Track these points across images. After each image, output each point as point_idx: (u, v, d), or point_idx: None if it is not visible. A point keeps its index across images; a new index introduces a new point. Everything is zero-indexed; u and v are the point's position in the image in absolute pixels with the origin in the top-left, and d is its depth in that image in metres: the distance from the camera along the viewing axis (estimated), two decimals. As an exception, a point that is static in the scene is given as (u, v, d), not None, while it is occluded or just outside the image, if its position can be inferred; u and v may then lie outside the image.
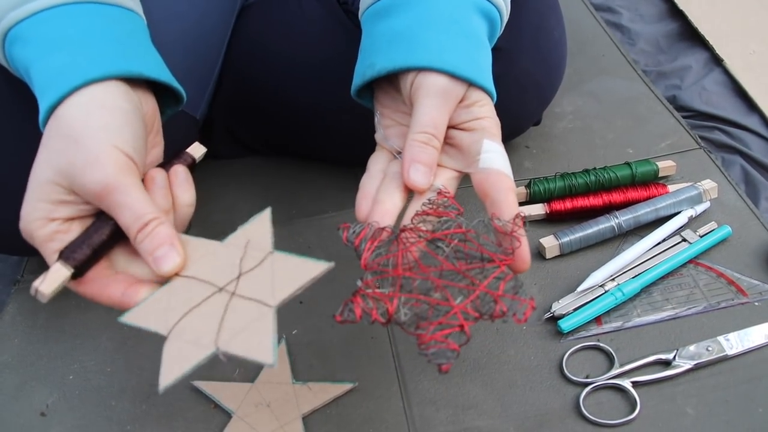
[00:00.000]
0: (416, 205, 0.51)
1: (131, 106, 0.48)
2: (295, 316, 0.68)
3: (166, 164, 0.52)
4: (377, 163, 0.55)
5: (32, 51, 0.48)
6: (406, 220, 0.50)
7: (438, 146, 0.51)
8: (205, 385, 0.62)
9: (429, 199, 0.51)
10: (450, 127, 0.52)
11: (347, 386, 0.61)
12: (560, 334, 0.63)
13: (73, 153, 0.45)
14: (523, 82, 0.71)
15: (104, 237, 0.47)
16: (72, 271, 0.46)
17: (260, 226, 0.50)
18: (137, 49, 0.51)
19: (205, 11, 0.72)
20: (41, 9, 0.48)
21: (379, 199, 0.51)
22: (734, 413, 0.56)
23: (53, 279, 0.45)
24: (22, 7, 0.48)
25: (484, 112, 0.51)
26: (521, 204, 0.75)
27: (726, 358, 0.59)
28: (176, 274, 0.48)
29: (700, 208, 0.71)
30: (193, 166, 0.54)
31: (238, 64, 0.77)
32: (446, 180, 0.52)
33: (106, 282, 0.47)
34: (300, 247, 0.75)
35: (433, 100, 0.50)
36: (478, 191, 0.51)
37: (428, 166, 0.50)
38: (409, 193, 0.52)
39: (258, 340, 0.43)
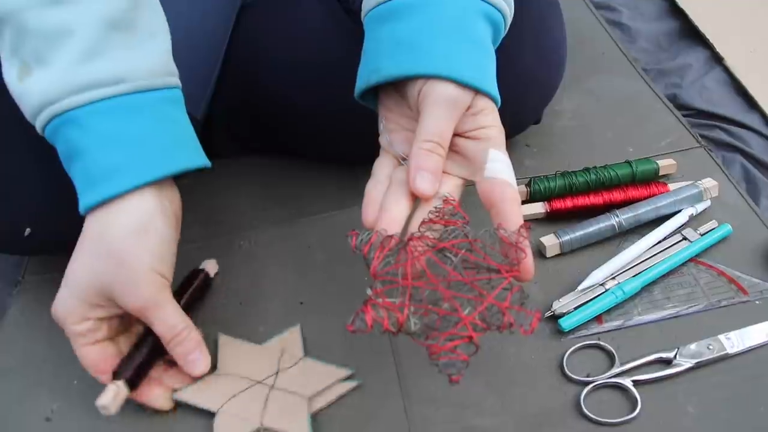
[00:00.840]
0: (422, 213, 0.51)
1: (168, 228, 0.54)
2: (294, 316, 0.68)
3: (190, 279, 0.67)
4: (383, 168, 0.55)
5: (90, 141, 0.51)
6: (413, 228, 0.51)
7: (443, 154, 0.51)
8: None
9: (435, 207, 0.51)
10: (455, 134, 0.52)
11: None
12: (561, 332, 0.63)
13: (116, 275, 0.52)
14: (524, 81, 0.71)
15: (144, 356, 0.58)
16: (128, 389, 0.57)
17: (293, 337, 0.64)
18: (182, 140, 0.56)
19: (206, 11, 0.72)
20: (102, 98, 0.51)
21: (385, 206, 0.51)
22: (735, 412, 0.56)
23: (118, 398, 0.56)
24: (82, 94, 0.50)
25: (489, 120, 0.52)
26: (522, 203, 0.75)
27: (727, 357, 0.59)
28: (221, 373, 0.61)
29: (700, 207, 0.71)
30: (209, 280, 0.70)
31: (237, 62, 0.77)
32: (451, 187, 0.53)
33: (155, 392, 0.59)
34: (300, 246, 0.75)
35: (440, 110, 0.50)
36: (483, 200, 0.51)
37: (434, 174, 0.51)
38: (415, 200, 0.52)
39: (297, 422, 0.56)
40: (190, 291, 0.66)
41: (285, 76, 0.75)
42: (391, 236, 0.49)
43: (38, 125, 0.52)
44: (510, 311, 0.46)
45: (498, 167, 0.51)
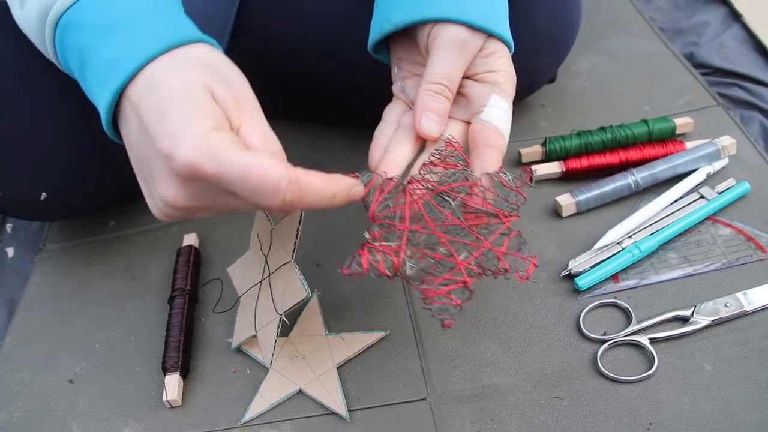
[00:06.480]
0: (426, 156, 0.51)
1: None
2: (313, 279, 0.68)
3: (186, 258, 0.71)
4: (392, 113, 0.55)
5: (88, 38, 0.45)
6: (415, 171, 0.50)
7: (450, 97, 0.51)
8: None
9: (437, 150, 0.51)
10: (465, 77, 0.52)
11: (379, 335, 0.62)
12: (577, 291, 0.63)
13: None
14: (538, 37, 0.70)
15: (182, 342, 0.62)
16: (179, 375, 0.61)
17: (290, 223, 0.61)
18: (181, 15, 0.49)
19: None
20: None
21: (389, 149, 0.51)
22: (753, 369, 0.56)
23: (176, 389, 0.59)
24: None
25: (500, 64, 0.51)
26: (537, 162, 0.75)
27: (744, 314, 0.59)
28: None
29: (718, 165, 0.71)
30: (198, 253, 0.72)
31: (248, 21, 0.76)
32: (457, 132, 0.53)
33: None
34: (311, 212, 0.75)
35: (448, 51, 0.50)
36: (469, 140, 0.51)
37: (440, 115, 0.51)
38: (422, 143, 0.52)
39: (293, 286, 0.56)
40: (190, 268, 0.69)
41: (296, 34, 0.74)
42: (390, 179, 0.48)
43: (49, 47, 0.48)
44: (506, 257, 0.45)
45: (496, 114, 0.50)
